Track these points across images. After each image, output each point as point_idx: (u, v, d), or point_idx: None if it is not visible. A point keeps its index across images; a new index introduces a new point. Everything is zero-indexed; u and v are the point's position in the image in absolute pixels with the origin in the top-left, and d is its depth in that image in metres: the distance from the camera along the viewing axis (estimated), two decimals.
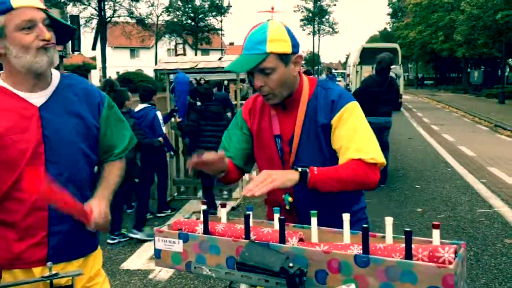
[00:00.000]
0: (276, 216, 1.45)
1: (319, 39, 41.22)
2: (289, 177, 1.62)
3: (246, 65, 1.72)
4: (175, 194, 6.39)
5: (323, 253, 1.29)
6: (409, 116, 18.68)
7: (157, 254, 1.56)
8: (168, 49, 46.48)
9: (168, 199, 6.07)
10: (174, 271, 4.08)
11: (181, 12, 37.77)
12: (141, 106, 5.60)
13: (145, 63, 48.70)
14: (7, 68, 1.56)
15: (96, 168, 1.77)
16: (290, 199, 1.83)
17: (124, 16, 27.13)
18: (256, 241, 1.37)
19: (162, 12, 35.61)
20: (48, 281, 1.12)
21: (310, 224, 1.47)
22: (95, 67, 48.17)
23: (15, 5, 1.47)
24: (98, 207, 1.60)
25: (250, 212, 1.51)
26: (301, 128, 1.81)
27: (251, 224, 1.52)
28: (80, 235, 1.64)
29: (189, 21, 38.00)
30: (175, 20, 36.91)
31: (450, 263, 1.18)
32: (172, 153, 5.91)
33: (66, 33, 1.61)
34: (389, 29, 58.93)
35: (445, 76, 52.49)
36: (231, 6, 39.41)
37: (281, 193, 1.83)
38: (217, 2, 38.18)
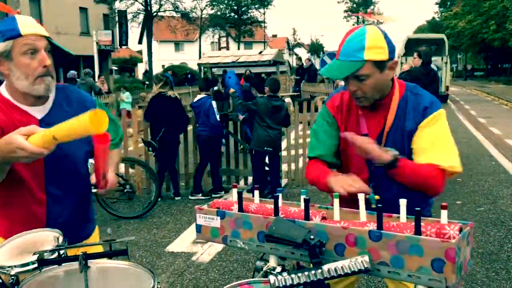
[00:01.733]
0: (302, 198, 1.63)
1: None
2: (384, 156, 1.73)
3: (343, 72, 1.78)
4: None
5: (341, 228, 1.46)
6: (456, 108, 18.21)
7: (198, 229, 1.78)
8: (212, 42, 47.09)
9: (209, 188, 6.41)
10: (216, 254, 4.33)
11: (224, 5, 38.11)
12: (199, 96, 6.11)
13: (190, 56, 49.58)
14: (10, 85, 1.73)
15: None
16: (376, 197, 1.80)
17: (169, 10, 27.77)
18: (282, 218, 1.55)
19: (206, 5, 36.09)
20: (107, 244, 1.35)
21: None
22: (141, 61, 49.43)
23: (23, 33, 1.64)
24: (113, 178, 1.80)
25: (279, 194, 1.70)
26: (388, 130, 1.86)
27: (280, 204, 1.71)
28: (77, 225, 1.90)
29: (232, 14, 38.29)
30: (219, 13, 37.28)
31: (454, 238, 1.33)
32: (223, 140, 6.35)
33: (65, 57, 1.81)
34: (437, 19, 57.07)
35: (497, 67, 50.38)
36: None
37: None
38: None
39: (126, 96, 12.36)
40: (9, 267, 1.53)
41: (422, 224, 1.42)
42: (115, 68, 44.89)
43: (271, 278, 1.39)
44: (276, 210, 1.63)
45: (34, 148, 1.44)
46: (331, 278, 1.35)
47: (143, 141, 6.12)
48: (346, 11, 37.78)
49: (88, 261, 1.46)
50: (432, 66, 7.23)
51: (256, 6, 39.45)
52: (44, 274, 1.52)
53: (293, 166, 7.02)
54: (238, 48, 38.58)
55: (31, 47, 1.65)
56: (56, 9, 26.94)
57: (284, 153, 6.94)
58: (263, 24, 42.03)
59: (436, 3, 53.45)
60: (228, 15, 38.37)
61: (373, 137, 1.87)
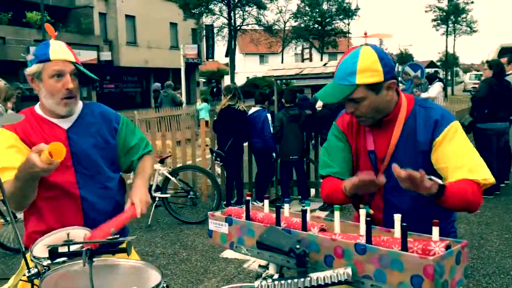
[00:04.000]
0: (286, 206, 1.69)
1: (454, 39, 38.51)
2: (431, 188, 1.58)
3: (335, 96, 1.81)
4: (280, 193, 6.73)
5: (330, 240, 1.49)
6: None
7: (210, 233, 1.89)
8: (296, 54, 47.38)
9: (273, 197, 6.52)
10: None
11: (308, 17, 38.27)
12: (254, 109, 6.27)
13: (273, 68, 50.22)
14: (41, 102, 1.99)
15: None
16: (371, 211, 1.82)
17: (252, 24, 28.51)
18: (276, 226, 1.61)
19: (290, 18, 36.50)
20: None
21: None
22: (228, 73, 51.15)
23: (52, 58, 1.89)
24: (137, 197, 1.96)
25: (286, 204, 1.78)
26: (395, 147, 1.83)
27: (287, 214, 1.78)
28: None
29: (316, 25, 38.34)
30: (302, 25, 37.50)
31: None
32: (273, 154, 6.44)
33: (90, 79, 2.04)
34: None
35: None
36: (359, 9, 38.83)
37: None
38: (345, 5, 37.92)
39: (202, 106, 12.95)
40: (42, 258, 1.75)
41: (410, 239, 1.41)
42: (203, 80, 46.77)
43: (256, 283, 1.47)
44: (277, 220, 1.70)
45: (42, 164, 1.58)
46: (312, 287, 1.39)
47: (210, 151, 6.39)
48: (434, 19, 36.25)
49: (103, 257, 1.65)
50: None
51: (341, 17, 39.14)
52: (69, 267, 1.71)
53: None
54: (321, 59, 38.47)
55: (58, 71, 1.89)
56: (149, 25, 28.83)
57: None
58: (347, 35, 41.59)
59: None
60: (311, 26, 38.48)
61: (381, 153, 1.87)
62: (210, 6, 25.62)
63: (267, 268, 1.72)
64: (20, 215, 2.25)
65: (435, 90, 12.01)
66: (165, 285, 1.63)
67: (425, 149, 1.81)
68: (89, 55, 23.90)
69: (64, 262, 1.71)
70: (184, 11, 25.64)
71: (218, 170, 6.77)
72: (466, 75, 49.71)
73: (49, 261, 1.73)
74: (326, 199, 1.99)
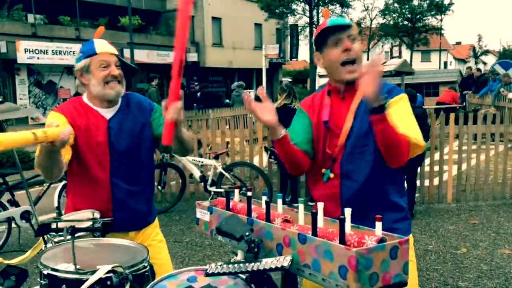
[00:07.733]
0: (263, 198, 1.77)
1: None
2: (380, 98, 1.78)
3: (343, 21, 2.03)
4: None
5: (281, 230, 1.57)
6: None
7: (197, 221, 2.04)
8: (385, 52, 46.00)
9: None
10: None
11: (397, 14, 36.98)
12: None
13: None
14: (89, 92, 2.24)
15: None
16: (331, 175, 2.00)
17: None
18: (236, 215, 1.72)
19: (377, 15, 35.53)
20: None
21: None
22: None
23: (98, 51, 2.17)
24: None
25: (264, 197, 1.87)
26: (354, 114, 2.00)
27: (264, 206, 1.87)
28: (138, 214, 2.29)
29: (406, 22, 36.91)
30: (391, 22, 36.32)
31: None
32: None
33: (132, 70, 2.28)
34: None
35: None
36: (453, 3, 36.69)
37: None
38: (437, 0, 36.08)
39: None
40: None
41: (351, 233, 1.45)
42: (289, 79, 47.03)
43: (208, 266, 1.60)
44: (249, 210, 1.80)
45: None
46: (252, 272, 1.49)
47: (265, 149, 6.55)
48: None
49: (108, 236, 1.88)
50: None
51: (433, 12, 37.29)
52: (70, 244, 1.96)
53: (426, 183, 6.68)
54: (411, 57, 36.94)
55: (104, 63, 2.17)
56: (234, 26, 29.68)
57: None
58: (440, 31, 39.45)
59: None
60: (400, 23, 37.12)
61: (338, 122, 2.04)
62: (292, 6, 25.72)
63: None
64: None
65: None
66: (146, 264, 1.82)
67: None
68: None
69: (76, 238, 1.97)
70: (267, 11, 26.00)
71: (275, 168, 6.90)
72: None
73: (59, 238, 2.00)
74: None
